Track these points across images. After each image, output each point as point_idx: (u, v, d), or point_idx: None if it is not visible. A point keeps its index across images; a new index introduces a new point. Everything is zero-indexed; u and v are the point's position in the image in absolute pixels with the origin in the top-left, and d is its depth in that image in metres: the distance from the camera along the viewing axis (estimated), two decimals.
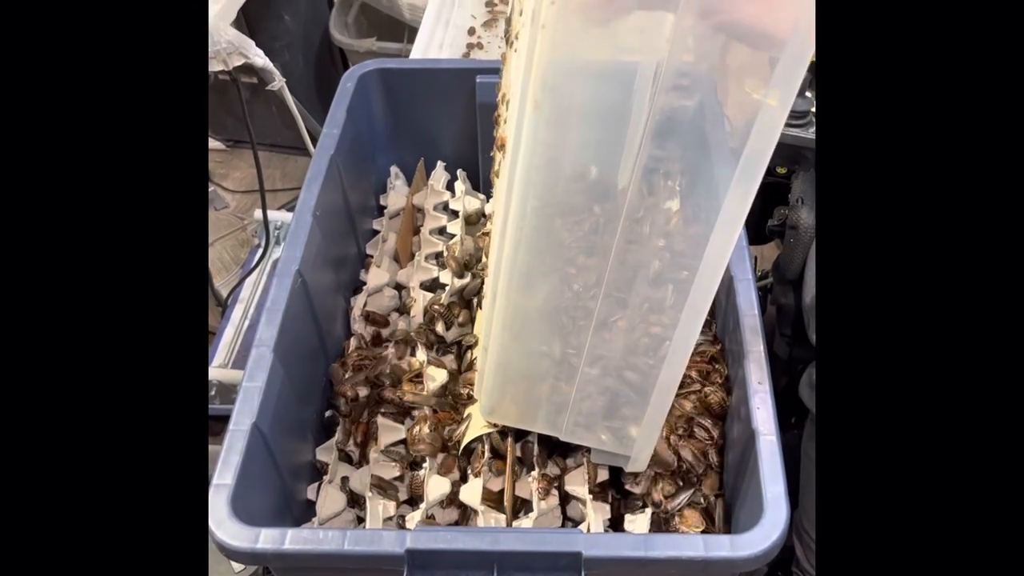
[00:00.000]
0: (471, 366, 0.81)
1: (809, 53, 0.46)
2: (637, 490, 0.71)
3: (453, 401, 0.79)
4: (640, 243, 0.57)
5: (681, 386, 0.72)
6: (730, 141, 0.51)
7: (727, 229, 0.53)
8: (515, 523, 0.71)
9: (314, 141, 1.39)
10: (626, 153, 0.53)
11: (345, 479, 0.78)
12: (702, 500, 0.70)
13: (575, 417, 0.67)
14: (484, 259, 0.79)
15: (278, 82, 1.20)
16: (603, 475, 0.72)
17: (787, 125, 0.56)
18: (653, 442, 0.68)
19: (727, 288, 0.74)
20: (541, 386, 0.66)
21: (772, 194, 1.06)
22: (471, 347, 0.83)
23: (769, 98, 0.51)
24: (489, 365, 0.67)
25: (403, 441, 0.78)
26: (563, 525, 0.73)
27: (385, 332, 0.89)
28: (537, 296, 0.61)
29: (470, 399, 0.78)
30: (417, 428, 0.76)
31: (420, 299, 0.89)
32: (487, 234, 0.76)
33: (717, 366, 0.75)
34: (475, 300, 0.89)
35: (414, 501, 0.76)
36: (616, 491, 0.74)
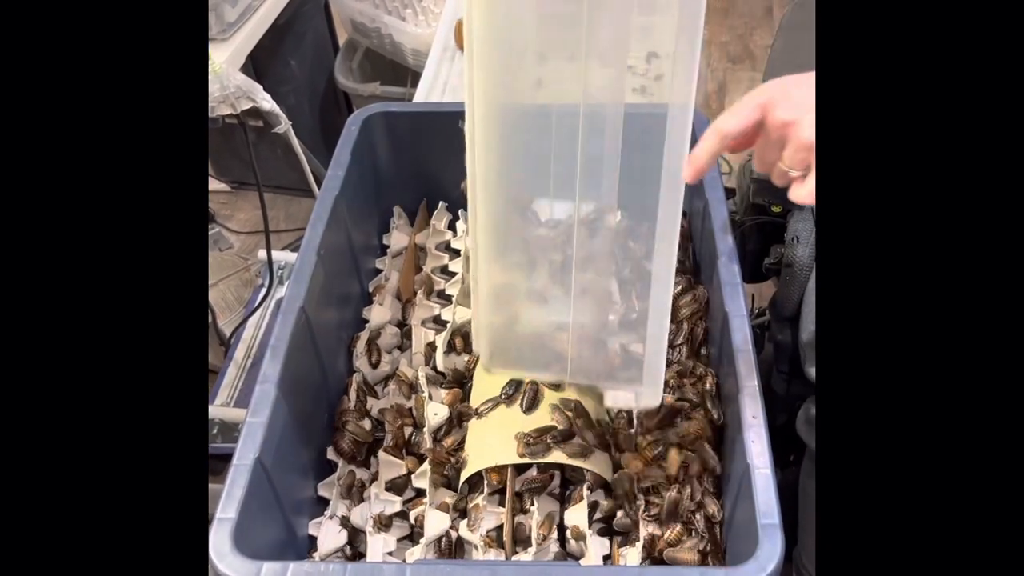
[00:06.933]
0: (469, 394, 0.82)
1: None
2: (631, 522, 0.72)
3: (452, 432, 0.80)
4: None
5: (677, 411, 0.75)
6: None
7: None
8: (514, 558, 0.71)
9: (318, 182, 1.42)
10: None
11: (346, 514, 0.79)
12: (697, 533, 0.71)
13: (577, 345, 0.67)
14: None
15: (284, 125, 1.22)
16: (599, 511, 0.73)
17: None
18: (661, 363, 0.68)
19: (722, 324, 0.75)
20: (536, 306, 0.67)
21: (769, 233, 1.08)
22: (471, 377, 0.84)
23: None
24: (480, 300, 0.67)
25: (403, 477, 0.79)
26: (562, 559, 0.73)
27: (387, 369, 0.91)
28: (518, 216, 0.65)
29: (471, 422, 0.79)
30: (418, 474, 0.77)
31: (422, 336, 0.91)
32: None
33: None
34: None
35: (413, 536, 0.77)
36: (610, 523, 0.74)
